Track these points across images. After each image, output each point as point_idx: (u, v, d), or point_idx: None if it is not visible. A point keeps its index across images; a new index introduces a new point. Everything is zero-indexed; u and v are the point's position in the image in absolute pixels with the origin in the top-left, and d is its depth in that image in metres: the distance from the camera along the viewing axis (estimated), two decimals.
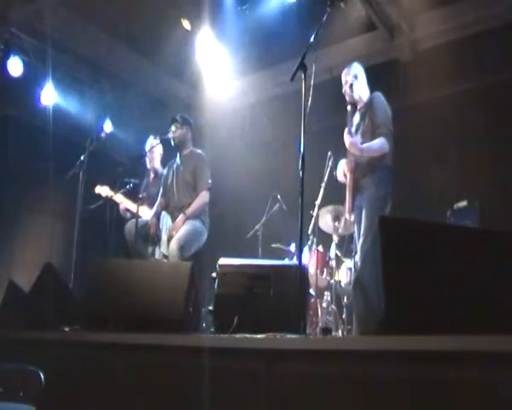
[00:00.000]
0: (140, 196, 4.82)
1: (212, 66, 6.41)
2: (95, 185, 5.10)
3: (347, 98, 4.02)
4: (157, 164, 5.26)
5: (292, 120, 3.21)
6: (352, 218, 3.88)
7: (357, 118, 4.03)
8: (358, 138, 3.85)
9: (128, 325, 2.51)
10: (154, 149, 5.12)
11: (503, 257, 1.71)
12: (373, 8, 5.71)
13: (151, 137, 5.23)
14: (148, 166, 5.25)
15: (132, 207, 4.93)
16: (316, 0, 4.73)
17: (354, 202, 3.85)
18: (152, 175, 5.26)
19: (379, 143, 3.75)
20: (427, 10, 5.74)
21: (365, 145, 3.80)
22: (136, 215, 4.51)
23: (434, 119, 5.50)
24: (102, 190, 5.08)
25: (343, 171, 3.93)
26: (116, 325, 2.55)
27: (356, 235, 3.90)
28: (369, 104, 3.90)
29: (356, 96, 3.98)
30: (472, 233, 1.91)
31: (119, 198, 5.02)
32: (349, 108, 3.94)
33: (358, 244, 3.71)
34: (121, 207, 5.04)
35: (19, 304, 3.21)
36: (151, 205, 4.82)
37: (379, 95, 3.94)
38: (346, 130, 3.84)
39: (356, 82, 3.98)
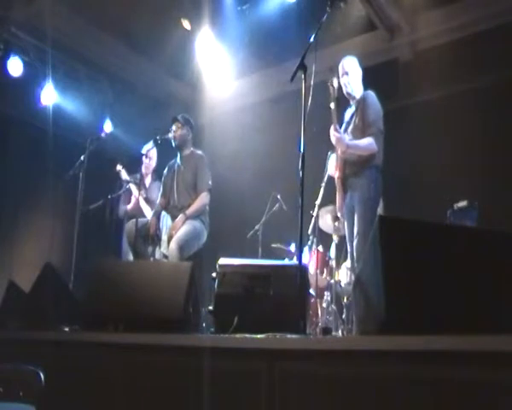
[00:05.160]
0: (145, 196, 4.89)
1: (212, 66, 6.42)
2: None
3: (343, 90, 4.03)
4: (153, 167, 5.33)
5: (292, 120, 3.20)
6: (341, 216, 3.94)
7: (348, 114, 4.04)
8: (348, 136, 3.86)
9: (128, 325, 2.51)
10: (150, 152, 5.19)
11: (502, 257, 1.71)
12: (373, 8, 5.71)
13: (150, 143, 5.31)
14: (144, 170, 5.26)
15: (144, 207, 4.99)
16: (316, 0, 4.72)
17: (344, 200, 3.90)
18: (150, 179, 5.29)
19: (367, 143, 3.75)
20: (427, 10, 5.74)
21: (352, 142, 3.81)
22: (132, 217, 4.55)
23: (434, 119, 5.50)
24: (122, 173, 5.12)
25: (334, 166, 3.98)
26: (116, 325, 2.55)
27: (347, 235, 3.92)
28: (362, 102, 3.89)
29: (348, 90, 4.00)
30: (472, 233, 1.91)
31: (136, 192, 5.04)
32: (332, 105, 3.87)
33: (354, 244, 3.73)
34: (131, 205, 5.07)
35: (19, 304, 3.21)
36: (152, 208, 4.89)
37: (372, 94, 3.94)
38: (332, 126, 3.84)
39: (347, 77, 3.99)
